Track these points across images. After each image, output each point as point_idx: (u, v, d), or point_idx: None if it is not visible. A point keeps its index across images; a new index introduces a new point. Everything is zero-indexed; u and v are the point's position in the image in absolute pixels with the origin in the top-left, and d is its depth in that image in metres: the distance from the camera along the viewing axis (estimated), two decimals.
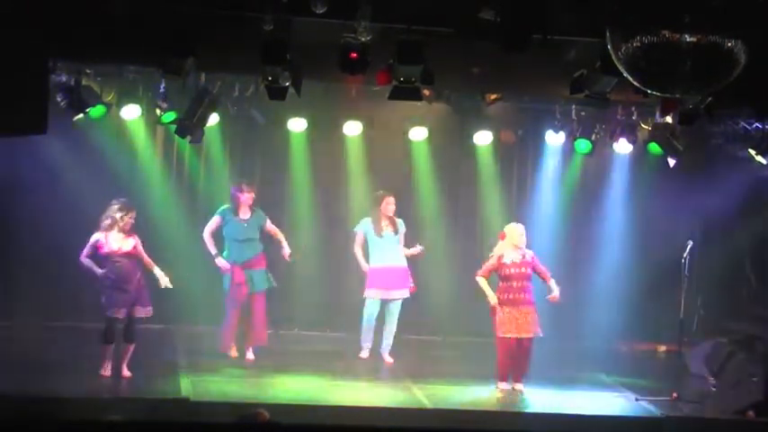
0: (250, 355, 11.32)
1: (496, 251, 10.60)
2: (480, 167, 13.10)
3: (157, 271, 10.34)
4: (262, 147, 12.74)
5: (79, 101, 10.66)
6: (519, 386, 10.54)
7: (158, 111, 11.20)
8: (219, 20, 8.80)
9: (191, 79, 10.13)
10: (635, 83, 7.01)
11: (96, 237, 10.20)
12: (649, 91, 7.27)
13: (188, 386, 9.96)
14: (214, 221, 11.36)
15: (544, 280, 10.58)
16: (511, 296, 10.45)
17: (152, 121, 11.91)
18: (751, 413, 10.06)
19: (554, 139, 12.49)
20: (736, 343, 11.70)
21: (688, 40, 6.47)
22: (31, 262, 12.04)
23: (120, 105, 11.41)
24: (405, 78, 9.19)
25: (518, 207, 13.03)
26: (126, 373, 10.20)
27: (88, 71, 10.84)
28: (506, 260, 10.51)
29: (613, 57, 6.83)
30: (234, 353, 11.33)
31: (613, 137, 12.11)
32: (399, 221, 11.73)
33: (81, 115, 10.80)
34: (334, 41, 8.80)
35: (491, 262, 10.60)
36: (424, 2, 8.79)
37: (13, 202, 11.93)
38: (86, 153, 11.86)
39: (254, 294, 11.28)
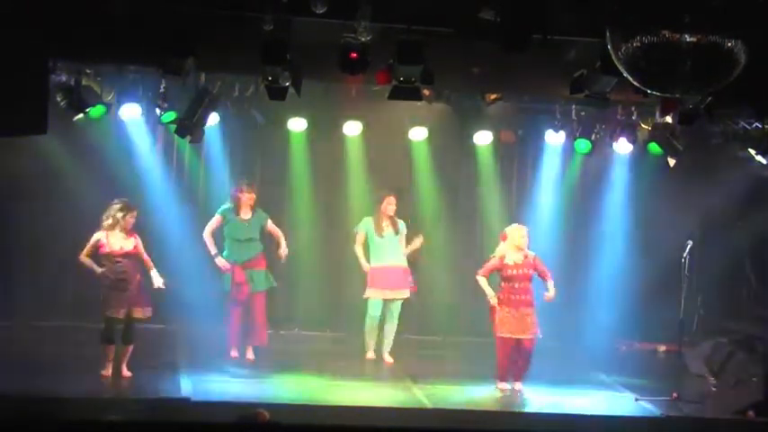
0: (250, 355, 11.32)
1: (498, 252, 10.60)
2: (480, 167, 13.09)
3: (154, 272, 10.34)
4: (262, 147, 12.74)
5: (79, 101, 10.65)
6: (519, 386, 10.54)
7: (158, 111, 11.19)
8: (219, 20, 8.80)
9: (191, 79, 10.13)
10: (635, 83, 7.01)
11: (98, 236, 10.19)
12: (649, 91, 7.28)
13: (188, 386, 9.95)
14: (215, 221, 11.36)
15: (543, 279, 10.57)
16: (512, 297, 10.44)
17: (152, 121, 11.91)
18: (751, 413, 10.06)
19: (554, 139, 12.49)
20: (736, 343, 11.71)
21: (688, 40, 6.47)
22: (30, 262, 12.05)
23: (119, 105, 11.41)
24: (405, 78, 9.19)
25: (518, 207, 13.03)
26: (126, 373, 10.19)
27: (88, 71, 10.82)
28: (508, 261, 10.50)
29: (613, 57, 6.83)
30: (234, 353, 11.34)
31: (613, 137, 12.11)
32: (401, 222, 11.73)
33: (81, 115, 10.79)
34: (334, 41, 8.80)
35: (492, 262, 10.59)
36: (424, 2, 8.79)
37: (13, 202, 11.95)
38: (86, 153, 11.87)
39: (255, 294, 11.28)
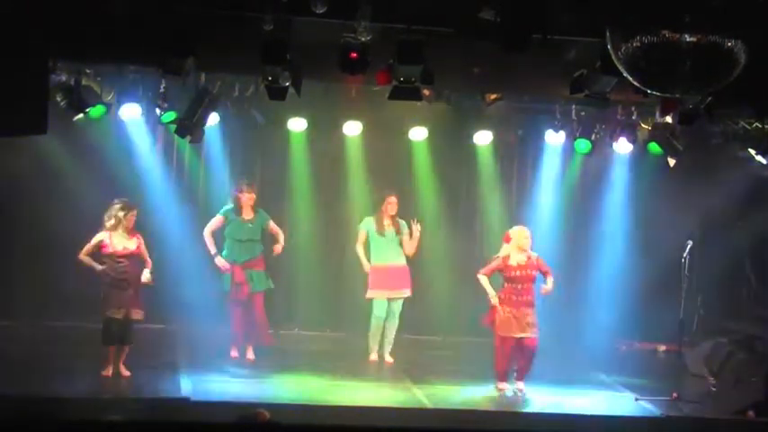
0: (250, 355, 11.31)
1: (502, 253, 10.57)
2: (480, 167, 13.10)
3: (146, 270, 10.30)
4: (262, 147, 12.74)
5: (79, 101, 10.65)
6: (520, 385, 10.52)
7: (158, 111, 11.19)
8: (219, 20, 8.80)
9: (191, 79, 10.12)
10: (635, 83, 7.01)
11: (101, 237, 10.17)
12: (649, 91, 7.28)
13: (188, 386, 9.94)
14: (216, 221, 11.36)
15: (544, 276, 10.54)
16: (513, 297, 10.42)
17: (152, 121, 11.91)
18: (751, 413, 10.06)
19: (554, 139, 12.49)
20: (736, 343, 11.71)
21: (688, 40, 6.47)
22: (31, 262, 12.05)
23: (119, 105, 11.41)
24: (405, 78, 9.19)
25: (518, 207, 13.04)
26: (125, 372, 10.19)
27: (88, 71, 10.82)
28: (512, 262, 10.48)
29: (613, 57, 6.83)
30: (234, 353, 11.34)
31: (613, 137, 12.11)
32: (402, 222, 11.73)
33: (81, 115, 10.79)
34: (334, 41, 8.80)
35: (496, 263, 10.57)
36: (424, 2, 8.78)
37: (13, 201, 11.95)
38: (86, 153, 11.88)
39: (254, 294, 11.28)
